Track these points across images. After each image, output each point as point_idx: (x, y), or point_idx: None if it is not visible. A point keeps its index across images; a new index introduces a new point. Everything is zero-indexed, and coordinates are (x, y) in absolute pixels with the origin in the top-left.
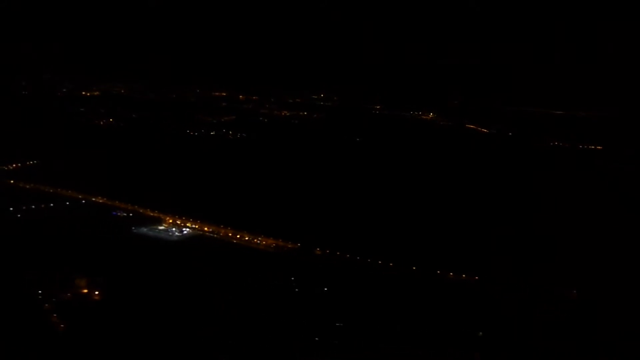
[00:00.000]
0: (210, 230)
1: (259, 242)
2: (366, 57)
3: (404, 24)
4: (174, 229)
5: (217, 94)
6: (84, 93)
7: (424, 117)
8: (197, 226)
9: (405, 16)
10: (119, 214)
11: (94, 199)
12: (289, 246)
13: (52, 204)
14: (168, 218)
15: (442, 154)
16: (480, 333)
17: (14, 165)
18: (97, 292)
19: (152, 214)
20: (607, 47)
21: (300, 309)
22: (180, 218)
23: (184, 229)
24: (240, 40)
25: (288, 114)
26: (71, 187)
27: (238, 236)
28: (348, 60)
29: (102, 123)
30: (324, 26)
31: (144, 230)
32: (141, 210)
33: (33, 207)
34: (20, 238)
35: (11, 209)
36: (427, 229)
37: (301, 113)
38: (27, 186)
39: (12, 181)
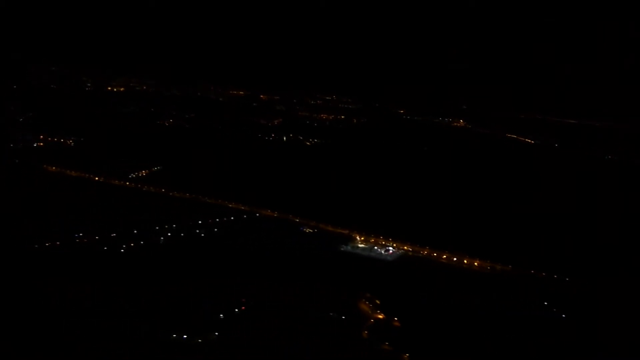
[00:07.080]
0: (411, 249)
1: (468, 262)
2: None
3: (440, 30)
4: (376, 247)
5: (234, 92)
6: (109, 89)
7: (455, 124)
8: (395, 244)
9: (442, 21)
10: (306, 229)
11: (266, 213)
12: (503, 268)
13: (232, 217)
14: (358, 235)
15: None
16: None
17: (144, 172)
18: (395, 319)
19: (332, 229)
20: None
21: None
22: (371, 235)
23: (388, 248)
24: (254, 40)
25: (330, 118)
26: (222, 197)
27: (444, 256)
28: (372, 63)
29: (171, 122)
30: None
31: (349, 248)
32: (322, 226)
33: (210, 221)
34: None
35: (191, 222)
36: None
37: (339, 117)
38: (185, 196)
39: (163, 190)
